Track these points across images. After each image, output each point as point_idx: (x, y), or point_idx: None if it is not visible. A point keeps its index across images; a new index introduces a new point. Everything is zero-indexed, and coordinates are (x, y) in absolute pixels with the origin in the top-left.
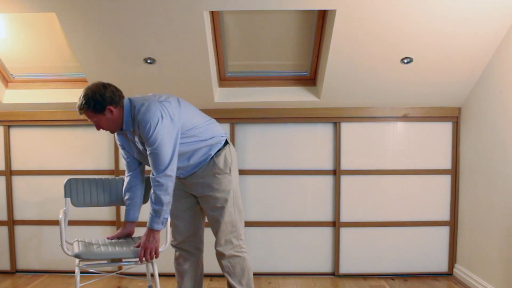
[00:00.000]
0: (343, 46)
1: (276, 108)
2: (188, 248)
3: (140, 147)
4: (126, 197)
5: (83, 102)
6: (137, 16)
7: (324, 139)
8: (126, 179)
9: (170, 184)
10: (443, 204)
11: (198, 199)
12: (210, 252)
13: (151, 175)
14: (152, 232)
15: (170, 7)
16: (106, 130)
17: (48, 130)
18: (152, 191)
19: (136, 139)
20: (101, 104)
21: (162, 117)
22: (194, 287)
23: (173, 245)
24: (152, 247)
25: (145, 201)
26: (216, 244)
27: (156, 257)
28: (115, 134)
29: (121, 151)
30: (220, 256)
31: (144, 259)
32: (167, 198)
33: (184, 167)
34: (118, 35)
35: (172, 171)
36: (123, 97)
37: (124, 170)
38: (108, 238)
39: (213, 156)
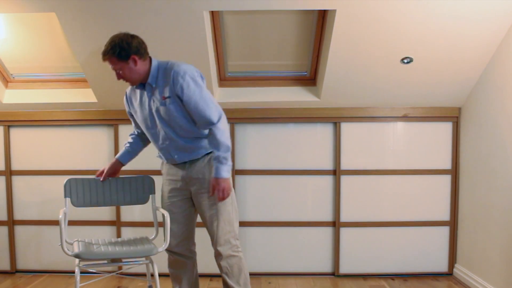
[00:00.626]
0: (343, 46)
1: (276, 108)
2: (182, 251)
3: (155, 105)
4: (129, 141)
5: (109, 48)
6: (137, 16)
7: (324, 139)
8: (136, 133)
9: (227, 126)
10: (443, 204)
11: (195, 197)
12: (209, 252)
13: (208, 126)
14: (220, 179)
15: (170, 7)
16: (127, 80)
17: (48, 130)
18: (214, 141)
19: (156, 95)
20: (126, 52)
21: (196, 73)
22: None
23: (167, 250)
24: (226, 186)
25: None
26: (216, 244)
27: (228, 195)
28: (125, 97)
29: (129, 118)
30: (218, 256)
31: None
32: (230, 142)
33: (184, 147)
34: None
35: (224, 116)
36: (148, 52)
37: (124, 170)
38: (97, 176)
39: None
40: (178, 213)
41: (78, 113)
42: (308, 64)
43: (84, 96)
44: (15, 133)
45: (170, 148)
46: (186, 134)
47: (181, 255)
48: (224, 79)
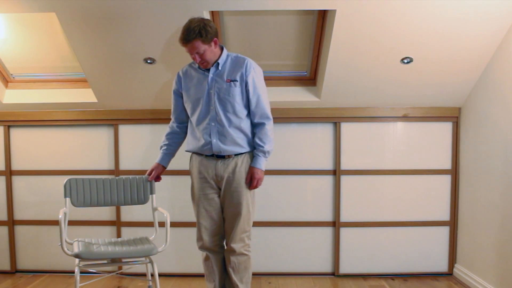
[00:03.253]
0: (343, 46)
1: (277, 108)
2: (214, 247)
3: (217, 85)
4: (165, 142)
5: (197, 31)
6: (137, 16)
7: (324, 139)
8: (171, 129)
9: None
10: (443, 204)
11: (223, 193)
12: None
13: (262, 118)
14: (258, 169)
15: (170, 7)
16: (205, 63)
17: (48, 130)
18: (264, 135)
19: (220, 76)
20: (211, 34)
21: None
22: (222, 283)
23: (200, 247)
24: (262, 177)
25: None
26: (230, 240)
27: (259, 186)
28: (176, 77)
29: (173, 100)
30: (231, 252)
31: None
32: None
33: (226, 133)
34: (118, 35)
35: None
36: None
37: (125, 170)
38: (149, 176)
39: (251, 151)
40: (212, 211)
41: (78, 113)
42: (308, 64)
43: (84, 96)
44: (15, 133)
45: (213, 131)
46: (234, 121)
47: (213, 251)
48: None
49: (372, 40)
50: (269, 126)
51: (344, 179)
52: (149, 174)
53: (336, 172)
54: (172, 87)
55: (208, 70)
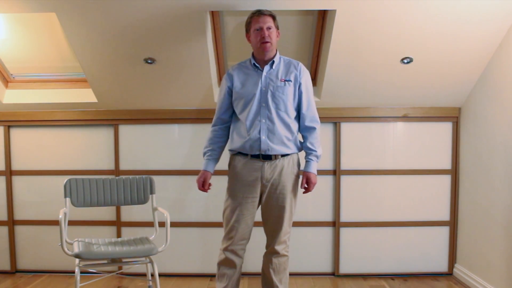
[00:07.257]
0: (343, 46)
1: None
2: (238, 250)
3: (272, 84)
4: (208, 148)
5: (270, 12)
6: (137, 16)
7: (324, 139)
8: (213, 133)
9: None
10: (443, 204)
11: (268, 195)
12: (208, 252)
13: (311, 122)
14: (313, 174)
15: (171, 7)
16: (268, 43)
17: (48, 130)
18: (315, 140)
19: (274, 76)
20: (277, 24)
21: None
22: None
23: (225, 248)
24: (316, 182)
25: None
26: (274, 243)
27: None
28: (226, 75)
29: (222, 99)
30: (273, 253)
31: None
32: None
33: (275, 130)
34: (118, 35)
35: None
36: None
37: (125, 170)
38: (204, 189)
39: (297, 152)
40: (247, 215)
41: (78, 113)
42: (308, 64)
43: (84, 96)
44: (15, 133)
45: (263, 128)
46: (285, 120)
47: (237, 254)
48: None
49: (372, 40)
50: (319, 130)
51: (344, 179)
52: (202, 185)
53: (336, 172)
54: (222, 86)
55: (262, 69)
